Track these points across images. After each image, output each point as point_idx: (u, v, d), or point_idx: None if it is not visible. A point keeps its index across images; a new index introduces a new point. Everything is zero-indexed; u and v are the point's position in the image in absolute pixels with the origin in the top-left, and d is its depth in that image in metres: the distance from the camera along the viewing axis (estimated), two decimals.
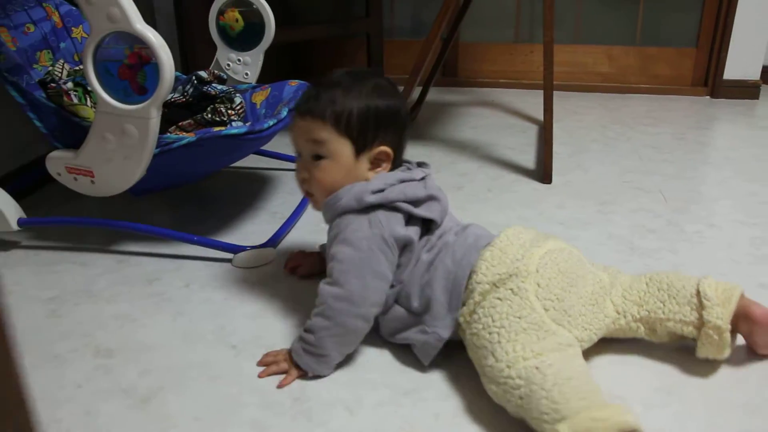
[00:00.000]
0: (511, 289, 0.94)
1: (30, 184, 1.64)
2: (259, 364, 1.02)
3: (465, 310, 0.97)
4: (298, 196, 1.60)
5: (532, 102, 2.31)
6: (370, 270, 0.98)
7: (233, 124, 1.34)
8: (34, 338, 1.12)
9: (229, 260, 1.31)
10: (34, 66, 1.41)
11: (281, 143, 1.72)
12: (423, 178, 1.05)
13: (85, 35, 1.55)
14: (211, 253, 1.33)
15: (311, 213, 1.52)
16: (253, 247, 1.29)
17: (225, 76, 1.52)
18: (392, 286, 1.02)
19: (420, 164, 1.10)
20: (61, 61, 1.46)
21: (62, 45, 1.49)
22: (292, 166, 1.75)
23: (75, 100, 1.29)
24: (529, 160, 1.81)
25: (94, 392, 0.98)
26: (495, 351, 0.90)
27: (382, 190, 1.00)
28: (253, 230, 1.45)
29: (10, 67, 1.30)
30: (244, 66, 1.56)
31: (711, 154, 1.87)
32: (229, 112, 1.36)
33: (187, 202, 1.61)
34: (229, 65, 1.56)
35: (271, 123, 1.22)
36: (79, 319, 1.17)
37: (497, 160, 1.81)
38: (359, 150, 1.03)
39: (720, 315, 0.94)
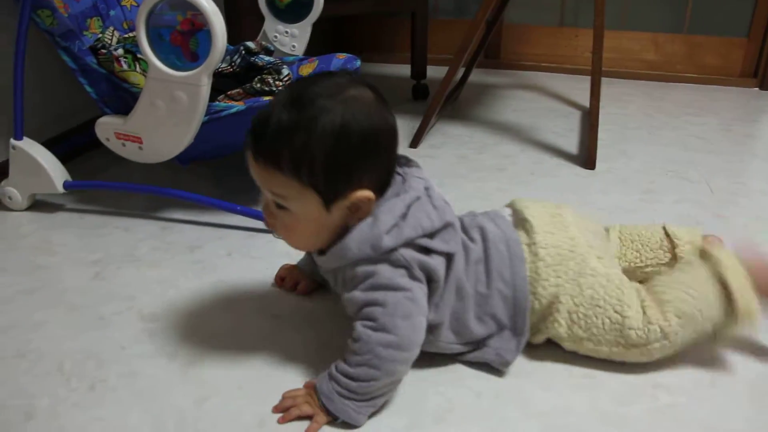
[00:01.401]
0: (584, 273, 0.94)
1: (75, 149, 1.66)
2: (277, 409, 0.88)
3: (557, 321, 0.94)
4: None
5: (575, 87, 2.28)
6: (415, 309, 0.86)
7: None
8: (80, 299, 1.13)
9: (270, 231, 1.32)
10: (84, 33, 1.42)
11: None
12: (427, 189, 0.90)
13: (134, 3, 1.55)
14: (254, 223, 1.34)
15: None
16: None
17: (272, 48, 1.52)
18: (431, 326, 0.91)
19: (405, 162, 0.94)
20: (111, 28, 1.46)
21: (112, 13, 1.49)
22: None
23: (125, 67, 1.30)
24: (571, 145, 1.79)
25: (138, 355, 1.00)
26: (625, 324, 0.91)
27: (396, 226, 0.85)
28: None
29: (63, 33, 1.30)
30: (291, 38, 1.55)
31: (759, 147, 1.83)
32: (277, 83, 1.36)
33: (230, 171, 1.62)
34: (276, 37, 1.55)
35: None
36: (123, 282, 1.18)
37: (540, 144, 1.79)
38: (329, 201, 0.85)
39: (689, 251, 1.03)
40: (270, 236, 1.31)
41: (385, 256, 0.85)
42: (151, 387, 0.93)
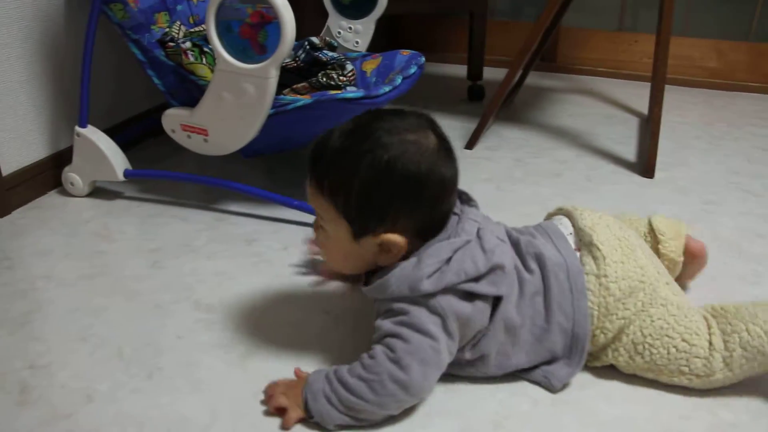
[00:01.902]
0: (654, 303, 0.91)
1: (134, 138, 1.69)
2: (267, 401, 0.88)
3: (617, 350, 0.92)
4: None
5: (632, 93, 2.24)
6: (435, 360, 0.83)
7: (348, 89, 1.34)
8: (139, 286, 1.15)
9: None
10: (152, 27, 1.44)
11: None
12: (479, 231, 0.88)
13: None
14: (309, 218, 1.34)
15: None
16: None
17: (335, 44, 1.52)
18: (470, 361, 0.90)
19: (465, 199, 0.94)
20: (178, 23, 1.48)
21: (179, 7, 1.51)
22: None
23: (192, 59, 1.31)
24: (629, 152, 1.75)
25: (195, 345, 1.01)
26: (692, 352, 0.88)
27: (439, 270, 0.83)
28: None
29: (134, 26, 1.33)
30: (354, 34, 1.55)
31: None
32: (341, 78, 1.36)
33: (286, 166, 1.62)
34: (339, 33, 1.55)
35: (386, 89, 1.21)
36: (180, 272, 1.20)
37: (596, 150, 1.76)
38: (357, 234, 0.86)
39: (674, 248, 1.03)
40: None
41: (424, 300, 0.84)
42: (208, 377, 0.94)
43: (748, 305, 0.91)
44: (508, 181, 1.57)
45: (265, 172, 1.61)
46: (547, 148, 1.77)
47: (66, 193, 1.49)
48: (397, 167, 0.82)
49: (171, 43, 1.36)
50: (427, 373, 0.83)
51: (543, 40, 2.03)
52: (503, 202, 1.46)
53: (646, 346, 0.90)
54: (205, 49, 1.35)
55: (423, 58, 1.42)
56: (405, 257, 0.87)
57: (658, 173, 1.61)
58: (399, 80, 1.28)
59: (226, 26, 1.14)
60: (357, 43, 1.57)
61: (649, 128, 1.64)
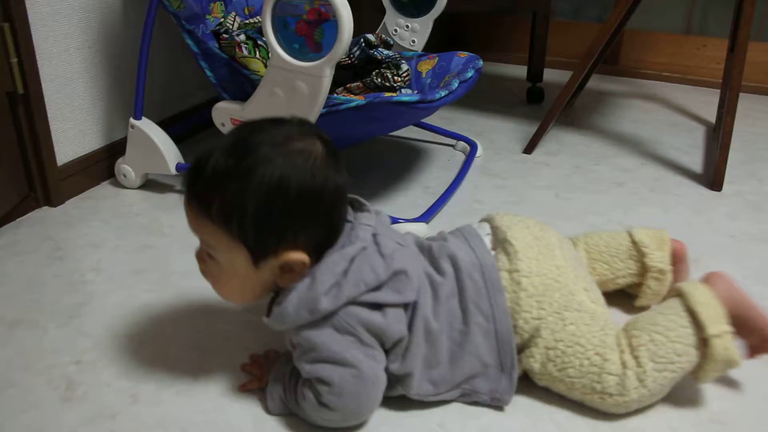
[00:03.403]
0: (569, 307, 0.86)
1: (186, 132, 1.68)
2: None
3: (532, 356, 0.86)
4: (452, 172, 1.56)
5: (699, 100, 2.14)
6: (365, 385, 0.79)
7: (402, 91, 1.30)
8: (187, 284, 1.13)
9: None
10: (207, 17, 1.42)
11: (435, 116, 1.68)
12: (375, 237, 0.83)
13: None
14: None
15: (466, 191, 1.48)
16: (406, 221, 1.26)
17: (391, 42, 1.48)
18: (398, 377, 0.84)
19: (356, 206, 0.87)
20: (233, 13, 1.46)
21: None
22: (447, 140, 1.72)
23: (246, 53, 1.29)
24: (695, 162, 1.68)
25: (243, 348, 0.98)
26: (605, 368, 0.84)
27: (336, 285, 0.78)
28: (404, 202, 1.42)
29: (189, 16, 1.31)
30: (411, 33, 1.51)
31: None
32: (395, 78, 1.32)
33: None
34: (396, 31, 1.52)
35: (443, 94, 1.17)
36: None
37: (660, 159, 1.68)
38: (258, 259, 0.79)
39: (660, 258, 1.01)
40: None
41: (327, 321, 0.78)
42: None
43: (650, 313, 0.89)
44: (568, 188, 1.51)
45: None
46: (609, 155, 1.70)
47: (118, 185, 1.49)
48: (291, 182, 0.76)
49: (225, 35, 1.34)
50: (362, 401, 0.81)
51: (608, 43, 1.96)
52: (564, 210, 1.41)
53: (558, 353, 0.85)
54: (259, 43, 1.33)
55: (481, 62, 1.37)
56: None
57: (726, 186, 1.53)
58: (455, 84, 1.24)
59: (283, 22, 1.11)
60: (413, 42, 1.53)
61: (718, 138, 1.56)
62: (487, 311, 0.85)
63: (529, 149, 1.70)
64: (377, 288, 0.80)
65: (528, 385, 0.89)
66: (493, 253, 0.91)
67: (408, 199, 1.43)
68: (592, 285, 0.93)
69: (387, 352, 0.83)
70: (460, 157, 1.65)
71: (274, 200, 0.76)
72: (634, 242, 1.03)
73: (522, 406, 0.88)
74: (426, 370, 0.84)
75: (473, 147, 1.65)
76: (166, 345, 0.99)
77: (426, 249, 0.90)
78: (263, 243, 0.78)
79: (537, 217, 1.03)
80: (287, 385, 0.85)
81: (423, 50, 1.52)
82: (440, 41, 2.33)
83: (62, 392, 0.90)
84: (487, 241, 0.93)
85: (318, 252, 0.80)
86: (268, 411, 0.86)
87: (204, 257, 0.83)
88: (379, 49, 1.41)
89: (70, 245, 1.27)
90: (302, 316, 0.78)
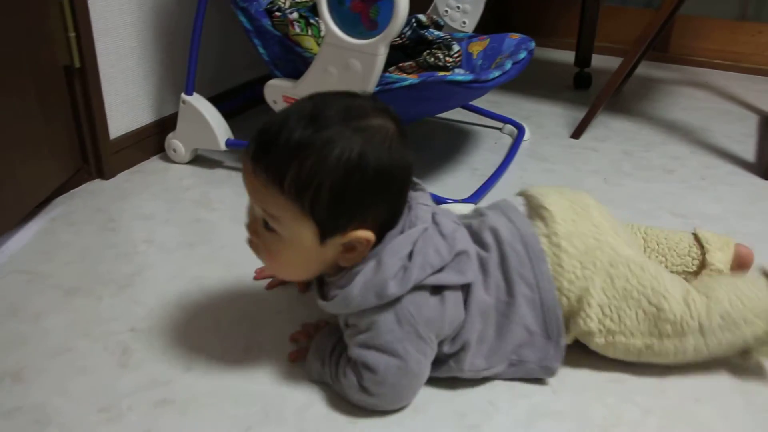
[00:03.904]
0: (615, 263, 0.86)
1: (235, 108, 1.69)
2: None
3: (588, 317, 0.86)
4: (499, 155, 1.55)
5: (752, 88, 2.10)
6: (407, 378, 0.80)
7: (456, 71, 1.30)
8: (237, 258, 1.14)
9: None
10: None
11: (482, 99, 1.67)
12: (434, 216, 0.83)
13: None
14: None
15: (514, 174, 1.47)
16: (455, 201, 1.25)
17: (442, 23, 1.47)
18: (451, 354, 0.84)
19: (411, 186, 0.85)
20: None
21: None
22: (494, 123, 1.71)
23: (298, 30, 1.29)
24: (747, 151, 1.64)
25: (293, 321, 0.99)
26: (661, 316, 0.85)
27: (403, 268, 0.77)
28: (452, 183, 1.41)
29: None
30: (462, 14, 1.50)
31: None
32: (447, 59, 1.31)
33: None
34: (447, 11, 1.51)
35: (496, 74, 1.16)
36: None
37: (711, 147, 1.65)
38: (325, 235, 0.77)
39: (721, 259, 0.97)
40: None
41: (392, 305, 0.78)
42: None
43: (730, 279, 0.91)
44: (616, 174, 1.49)
45: None
46: (658, 143, 1.67)
47: (168, 159, 1.51)
48: (370, 160, 0.74)
49: (277, 13, 1.34)
50: (401, 393, 0.82)
51: (659, 29, 1.92)
52: (613, 196, 1.39)
53: (613, 307, 0.85)
54: (311, 21, 1.33)
55: (533, 43, 1.36)
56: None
57: None
58: (509, 65, 1.23)
59: None
60: (464, 23, 1.51)
61: None
62: (531, 280, 0.85)
63: (576, 134, 1.68)
64: (440, 269, 0.79)
65: (576, 365, 0.89)
66: (530, 221, 0.91)
67: (456, 180, 1.43)
68: (634, 244, 0.95)
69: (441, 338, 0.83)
70: (507, 140, 1.64)
71: (351, 177, 0.74)
72: (697, 239, 0.99)
73: (571, 386, 0.88)
74: (478, 344, 0.84)
75: (521, 130, 1.63)
76: (218, 316, 1.00)
77: (467, 227, 0.89)
78: (334, 219, 0.76)
79: None
80: (327, 359, 0.85)
81: (473, 32, 1.51)
82: (487, 25, 2.31)
83: (118, 358, 0.92)
84: (522, 211, 0.93)
85: (381, 231, 0.79)
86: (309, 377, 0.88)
87: (257, 230, 0.81)
88: (430, 29, 1.40)
89: (122, 217, 1.29)
90: (369, 300, 0.77)
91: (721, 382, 0.89)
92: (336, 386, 0.84)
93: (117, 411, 0.83)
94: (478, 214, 0.94)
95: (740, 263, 1.00)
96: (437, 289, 0.80)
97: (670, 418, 0.83)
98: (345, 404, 0.84)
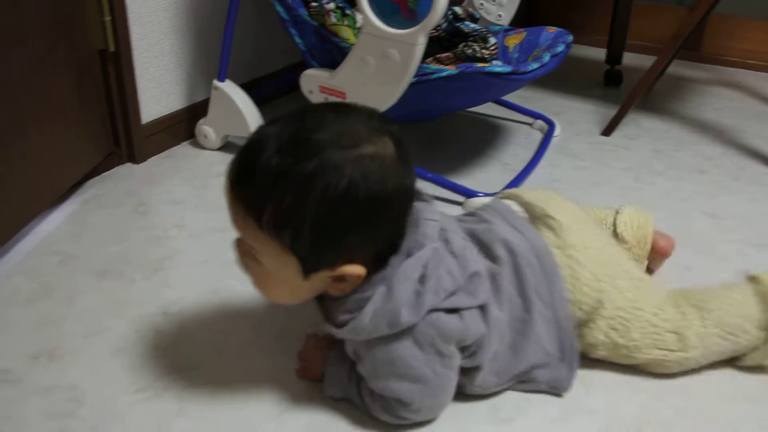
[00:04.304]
0: (619, 275, 0.86)
1: (267, 96, 1.69)
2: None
3: (597, 328, 0.85)
4: (529, 150, 1.54)
5: None
6: (444, 394, 0.78)
7: (494, 63, 1.29)
8: None
9: (459, 203, 1.28)
10: None
11: (512, 94, 1.66)
12: (443, 232, 0.77)
13: None
14: (440, 192, 1.30)
15: (544, 170, 1.46)
16: (486, 195, 1.25)
17: (478, 16, 1.46)
18: (464, 370, 0.80)
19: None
20: None
21: None
22: (524, 118, 1.70)
23: (334, 20, 1.29)
24: None
25: None
26: (665, 327, 0.85)
27: (416, 293, 0.71)
28: (483, 177, 1.41)
29: None
30: (498, 7, 1.49)
31: None
32: (483, 51, 1.31)
33: (418, 138, 1.59)
34: (482, 4, 1.50)
35: (535, 66, 1.15)
36: None
37: (744, 148, 1.63)
38: (309, 271, 0.71)
39: (637, 256, 0.99)
40: (458, 209, 1.27)
41: (407, 332, 0.72)
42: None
43: (719, 289, 0.91)
44: (648, 172, 1.48)
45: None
46: (690, 142, 1.65)
47: (198, 145, 1.52)
48: (359, 194, 0.66)
49: (314, 3, 1.34)
50: (434, 407, 0.79)
51: (693, 28, 1.90)
52: (645, 195, 1.38)
53: (620, 320, 0.84)
54: (347, 12, 1.33)
55: (571, 37, 1.35)
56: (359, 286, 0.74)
57: None
58: (547, 57, 1.22)
59: None
60: (500, 16, 1.51)
61: None
62: (546, 298, 0.83)
63: (607, 131, 1.67)
64: (453, 293, 0.75)
65: (609, 362, 0.88)
66: (537, 231, 0.89)
67: (486, 174, 1.42)
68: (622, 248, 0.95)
69: (464, 349, 0.79)
70: (537, 136, 1.63)
71: (337, 212, 0.67)
72: (615, 232, 0.99)
73: (603, 384, 0.87)
74: (491, 362, 0.81)
75: (551, 126, 1.62)
76: (249, 302, 1.01)
77: (470, 234, 0.84)
78: (318, 255, 0.70)
79: (617, 200, 1.05)
80: (347, 388, 0.81)
81: (509, 25, 1.50)
82: (518, 20, 2.30)
83: (150, 340, 0.92)
84: (526, 220, 0.91)
85: (379, 259, 0.73)
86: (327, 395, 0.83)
87: (245, 251, 0.75)
88: (466, 22, 1.40)
89: (152, 201, 1.30)
90: (380, 329, 0.72)
91: (756, 382, 0.88)
92: (361, 406, 0.81)
93: (152, 392, 0.84)
94: (479, 218, 0.89)
95: (660, 255, 1.03)
96: (453, 310, 0.75)
97: (703, 418, 0.83)
98: None
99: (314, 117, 0.71)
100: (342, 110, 0.73)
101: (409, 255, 0.73)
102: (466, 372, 0.80)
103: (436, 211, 0.80)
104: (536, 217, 0.89)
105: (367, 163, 0.67)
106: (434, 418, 0.81)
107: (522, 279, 0.82)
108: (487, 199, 1.23)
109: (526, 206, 0.92)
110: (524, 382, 0.85)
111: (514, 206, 0.93)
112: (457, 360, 0.77)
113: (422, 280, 0.72)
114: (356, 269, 0.71)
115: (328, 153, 0.66)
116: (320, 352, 0.85)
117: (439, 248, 0.74)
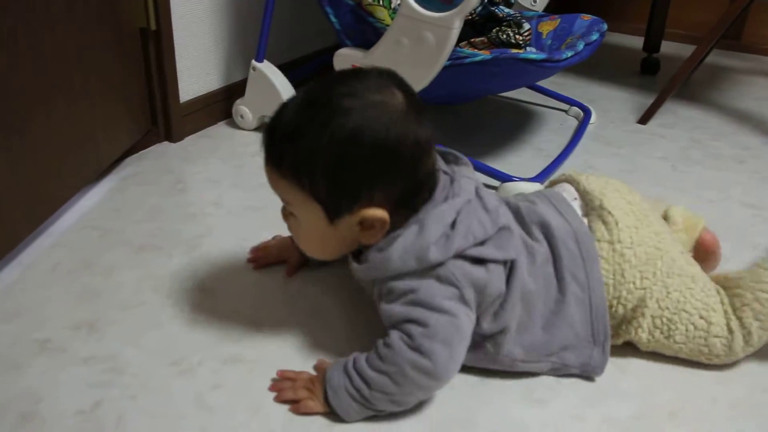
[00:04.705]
0: (671, 273, 0.85)
1: (304, 77, 1.70)
2: (273, 388, 0.82)
3: (640, 326, 0.85)
4: (564, 137, 1.53)
5: None
6: (458, 337, 0.75)
7: (528, 49, 1.28)
8: None
9: (494, 187, 1.28)
10: None
11: (547, 80, 1.65)
12: (477, 190, 0.81)
13: None
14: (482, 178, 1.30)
15: (580, 157, 1.46)
16: (522, 179, 1.25)
17: (512, 0, 1.46)
18: (490, 336, 0.81)
19: (453, 159, 0.85)
20: None
21: None
22: (559, 105, 1.69)
23: (371, 0, 1.29)
24: None
25: (360, 287, 0.99)
26: (711, 331, 0.84)
27: (445, 235, 0.75)
28: (517, 162, 1.41)
29: None
30: None
31: None
32: (517, 36, 1.30)
33: (452, 121, 1.59)
34: None
35: (569, 54, 1.15)
36: None
37: None
38: (332, 215, 0.77)
39: (684, 241, 0.95)
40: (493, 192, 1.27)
41: (432, 271, 0.75)
42: (365, 322, 0.93)
43: (752, 270, 0.87)
44: (684, 161, 1.46)
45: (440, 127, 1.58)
46: (728, 132, 1.63)
47: (234, 125, 1.53)
48: (364, 136, 0.72)
49: None
50: (453, 352, 0.75)
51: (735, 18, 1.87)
52: (682, 184, 1.36)
53: (665, 320, 0.85)
54: None
55: (605, 25, 1.35)
56: (391, 230, 0.77)
57: None
58: (581, 46, 1.21)
59: None
60: (534, 2, 1.50)
61: None
62: (582, 281, 0.83)
63: (644, 120, 1.65)
64: (482, 243, 0.77)
65: (639, 350, 0.88)
66: (585, 220, 0.88)
67: (521, 160, 1.42)
68: (683, 246, 0.93)
69: (480, 312, 0.79)
70: (572, 123, 1.62)
71: (345, 154, 0.73)
72: (665, 216, 0.97)
73: (638, 368, 0.87)
74: (519, 334, 0.82)
75: (587, 113, 1.61)
76: (284, 280, 1.02)
77: (514, 209, 0.87)
78: (336, 201, 0.76)
79: (653, 188, 1.02)
80: (352, 372, 0.77)
81: (543, 11, 1.49)
82: (554, 6, 2.27)
83: (188, 315, 0.94)
84: (576, 206, 0.90)
85: (405, 206, 0.77)
86: (345, 419, 0.78)
87: (287, 214, 0.83)
88: (500, 6, 1.39)
89: (190, 179, 1.31)
90: (408, 264, 0.75)
91: None
92: (371, 398, 0.76)
93: (188, 365, 0.85)
94: (526, 199, 0.91)
95: (705, 250, 0.99)
96: (479, 261, 0.77)
97: (738, 407, 0.82)
98: None
99: (329, 78, 0.78)
100: (356, 71, 0.79)
101: (444, 202, 0.78)
102: (491, 339, 0.81)
103: (473, 172, 0.84)
104: (592, 208, 0.89)
105: (372, 110, 0.73)
106: (447, 379, 0.77)
107: (559, 260, 0.84)
108: (523, 185, 1.23)
109: (584, 194, 0.91)
110: (556, 368, 0.85)
111: (570, 192, 0.93)
112: (474, 318, 0.78)
113: (453, 225, 0.76)
114: (378, 212, 0.75)
115: (337, 101, 0.73)
116: (318, 381, 0.81)
117: (473, 200, 0.79)
